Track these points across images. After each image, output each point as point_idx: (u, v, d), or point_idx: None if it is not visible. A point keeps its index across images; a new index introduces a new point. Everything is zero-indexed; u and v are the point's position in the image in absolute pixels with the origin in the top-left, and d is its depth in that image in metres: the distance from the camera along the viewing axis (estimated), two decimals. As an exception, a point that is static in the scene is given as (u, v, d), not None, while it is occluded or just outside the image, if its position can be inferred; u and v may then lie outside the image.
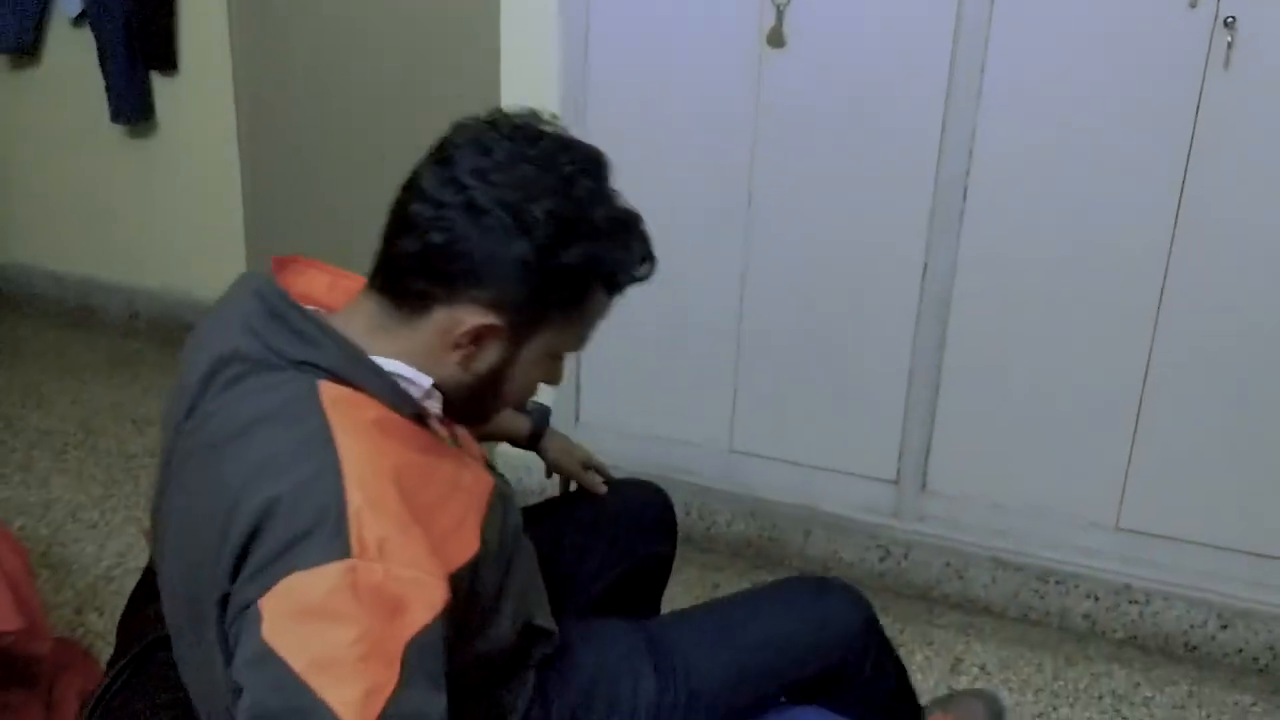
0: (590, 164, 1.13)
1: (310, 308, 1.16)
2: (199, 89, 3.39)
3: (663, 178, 2.44)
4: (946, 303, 2.30)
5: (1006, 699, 1.96)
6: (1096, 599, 2.36)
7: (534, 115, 1.15)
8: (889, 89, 2.24)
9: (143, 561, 2.44)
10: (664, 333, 2.56)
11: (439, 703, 0.97)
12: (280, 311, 1.10)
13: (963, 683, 2.24)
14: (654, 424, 2.65)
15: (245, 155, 3.40)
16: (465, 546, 1.11)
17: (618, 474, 1.84)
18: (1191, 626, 2.31)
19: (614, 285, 1.15)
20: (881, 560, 2.50)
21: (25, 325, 3.60)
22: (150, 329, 3.54)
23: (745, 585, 2.51)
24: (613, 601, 1.63)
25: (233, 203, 3.44)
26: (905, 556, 2.48)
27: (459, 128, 1.14)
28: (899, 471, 2.45)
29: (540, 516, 1.66)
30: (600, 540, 1.64)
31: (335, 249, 3.52)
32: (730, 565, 2.59)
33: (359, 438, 1.03)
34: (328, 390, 1.06)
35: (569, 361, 2.72)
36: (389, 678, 0.93)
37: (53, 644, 2.02)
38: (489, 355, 1.13)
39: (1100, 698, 2.21)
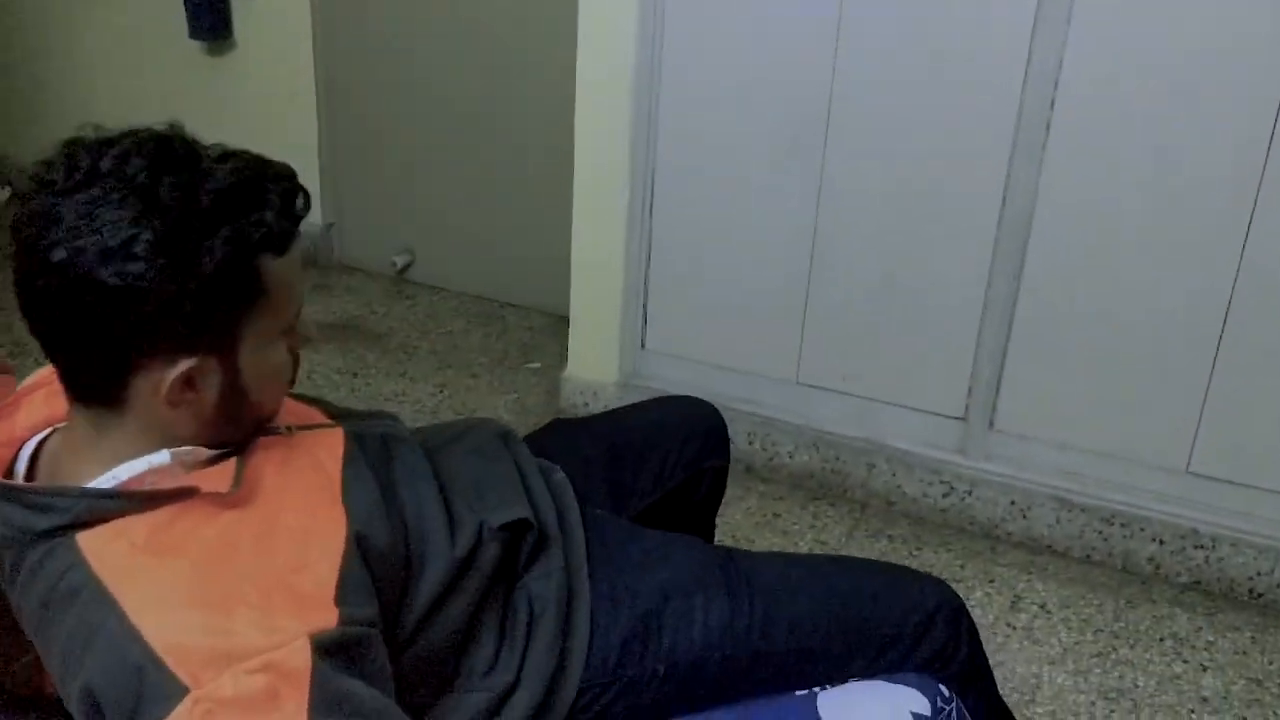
0: (161, 158, 1.00)
1: (44, 433, 1.13)
2: (277, 7, 3.40)
3: (739, 101, 2.42)
4: (1024, 236, 2.27)
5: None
6: (1162, 542, 2.34)
7: (69, 150, 1.01)
8: (974, 13, 2.20)
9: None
10: (734, 260, 2.55)
11: None
12: (5, 493, 1.05)
13: (1021, 620, 2.25)
14: (720, 353, 2.65)
15: (321, 75, 3.42)
16: (327, 553, 1.05)
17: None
18: (1258, 574, 2.29)
19: (278, 244, 1.04)
20: (945, 496, 2.49)
21: (103, 238, 3.66)
22: (224, 245, 3.60)
23: (806, 516, 2.53)
24: (667, 517, 1.63)
25: (308, 122, 3.47)
26: (969, 493, 2.47)
27: (11, 228, 1.00)
28: (967, 408, 2.44)
29: (594, 428, 1.67)
30: (654, 452, 1.63)
31: (410, 170, 3.56)
32: (791, 496, 2.60)
33: (133, 577, 0.98)
34: (86, 543, 1.01)
35: (635, 289, 2.71)
36: None
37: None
38: (211, 387, 1.06)
39: (1161, 640, 2.21)
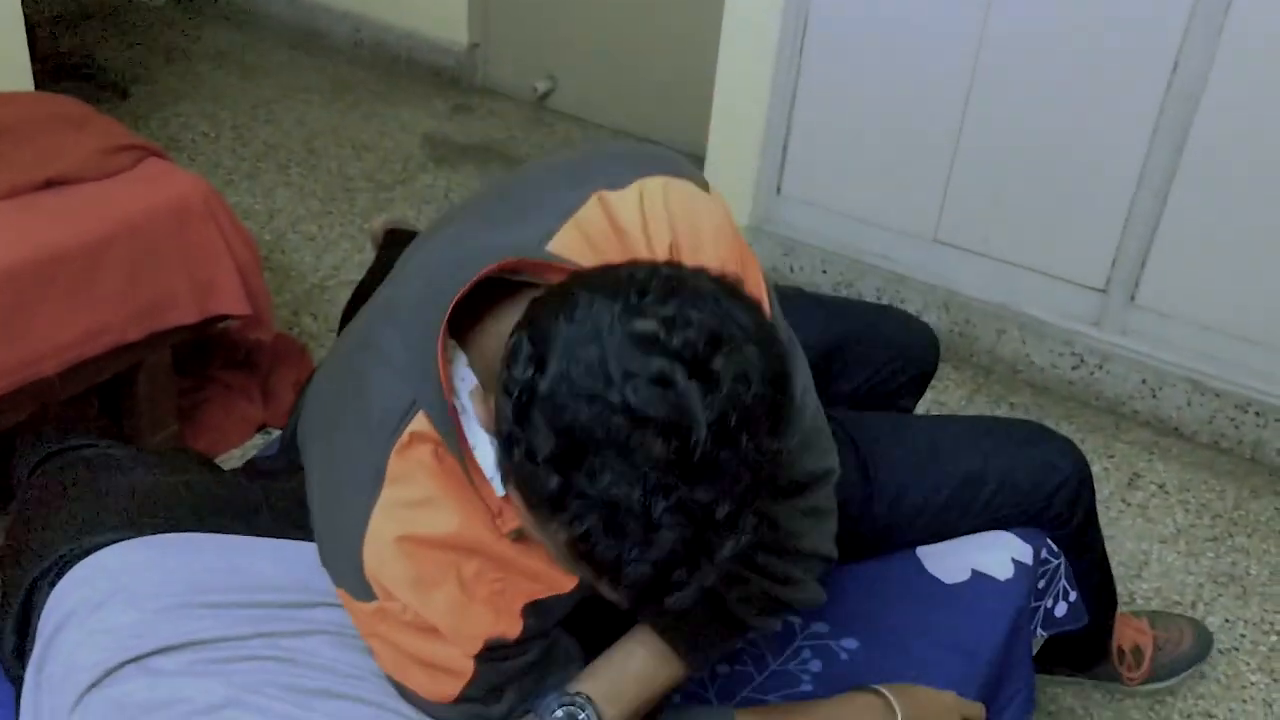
0: (702, 434, 0.78)
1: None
2: None
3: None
4: (1193, 107, 2.16)
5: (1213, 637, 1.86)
6: (1296, 436, 2.27)
7: (660, 296, 0.82)
8: None
9: (356, 276, 2.58)
10: (883, 109, 2.48)
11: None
12: (433, 352, 0.97)
13: (1137, 498, 2.22)
14: (857, 204, 2.60)
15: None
16: (554, 586, 1.05)
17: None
18: (1395, 478, 2.21)
19: (601, 570, 0.83)
20: (1074, 369, 2.44)
21: (259, 43, 3.72)
22: (372, 58, 3.63)
23: (928, 375, 2.50)
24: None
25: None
26: (1100, 367, 2.42)
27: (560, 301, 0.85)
28: (1109, 280, 2.37)
29: (814, 316, 1.58)
30: (863, 369, 1.60)
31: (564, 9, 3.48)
32: (915, 355, 2.57)
33: (404, 488, 0.99)
34: (418, 423, 0.99)
35: (776, 131, 2.65)
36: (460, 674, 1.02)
37: (275, 336, 2.17)
38: None
39: (1281, 533, 2.16)
